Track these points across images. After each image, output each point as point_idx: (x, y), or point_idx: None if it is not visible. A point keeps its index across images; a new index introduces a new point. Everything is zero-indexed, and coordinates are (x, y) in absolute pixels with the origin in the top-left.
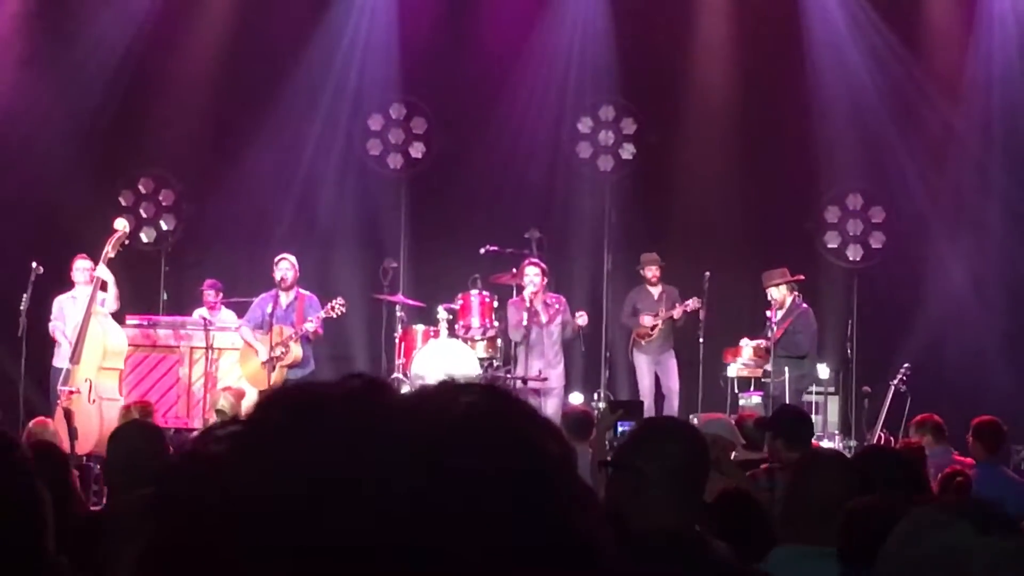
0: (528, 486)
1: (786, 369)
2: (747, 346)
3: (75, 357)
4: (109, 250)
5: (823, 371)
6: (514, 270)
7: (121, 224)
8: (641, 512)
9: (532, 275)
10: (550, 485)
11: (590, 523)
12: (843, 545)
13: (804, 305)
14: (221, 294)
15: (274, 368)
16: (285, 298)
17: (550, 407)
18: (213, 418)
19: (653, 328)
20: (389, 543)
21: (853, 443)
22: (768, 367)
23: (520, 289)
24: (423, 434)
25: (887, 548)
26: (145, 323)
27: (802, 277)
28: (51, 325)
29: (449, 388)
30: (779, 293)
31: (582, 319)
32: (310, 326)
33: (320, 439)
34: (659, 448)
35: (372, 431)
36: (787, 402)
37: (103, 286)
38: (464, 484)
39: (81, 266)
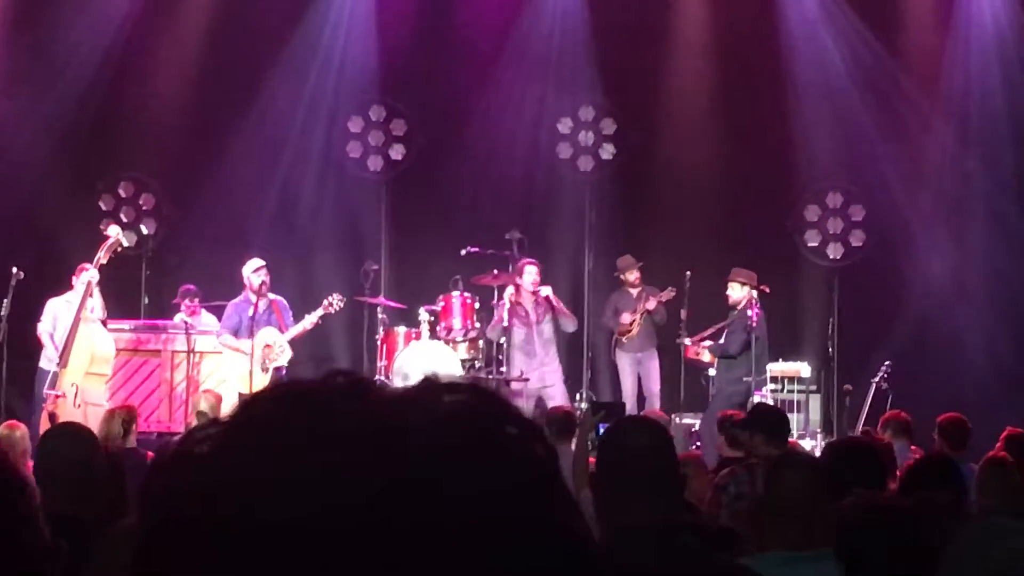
0: (517, 489)
1: (723, 371)
2: (688, 341)
3: (63, 361)
4: (102, 256)
5: (805, 369)
6: (495, 271)
7: (114, 231)
8: (618, 510)
9: (533, 274)
10: (538, 488)
11: (576, 524)
12: (838, 547)
13: (755, 311)
14: (198, 298)
15: (266, 370)
16: (263, 302)
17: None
18: (195, 421)
19: (631, 324)
20: (372, 541)
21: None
22: (712, 371)
23: (502, 290)
24: (407, 434)
25: (952, 556)
26: (126, 327)
27: (767, 289)
28: (40, 327)
29: (433, 386)
30: (736, 293)
31: (546, 290)
32: (309, 322)
33: (303, 439)
34: (623, 446)
35: (355, 430)
36: (721, 408)
37: (91, 292)
38: (449, 486)
39: (86, 279)
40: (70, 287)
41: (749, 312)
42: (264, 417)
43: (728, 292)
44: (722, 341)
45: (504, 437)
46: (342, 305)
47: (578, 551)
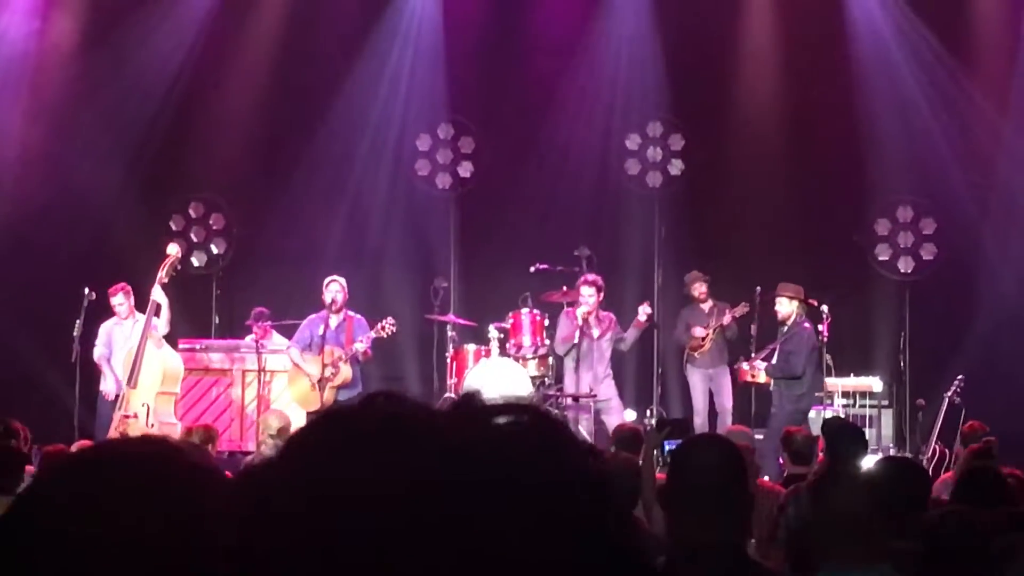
0: (560, 503)
1: (783, 390)
2: (747, 367)
3: (132, 381)
4: (163, 275)
5: (876, 384)
6: (564, 288)
7: (173, 249)
8: (687, 527)
9: (587, 295)
10: (592, 508)
11: (628, 540)
12: (925, 553)
13: (806, 325)
14: (269, 321)
15: (324, 389)
16: (335, 320)
17: (612, 422)
18: (266, 441)
19: (704, 339)
20: (413, 554)
21: (908, 456)
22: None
23: (572, 304)
24: (450, 453)
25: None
26: (197, 346)
27: (815, 302)
28: (95, 352)
29: (473, 410)
30: (785, 308)
31: (643, 313)
32: (360, 346)
33: (343, 464)
34: (691, 463)
35: (390, 455)
36: (786, 426)
37: (157, 310)
38: (494, 500)
39: (119, 300)
40: (111, 310)
41: (805, 326)
42: (307, 446)
43: (776, 308)
44: (775, 360)
45: (550, 456)
46: (394, 330)
47: (630, 566)
